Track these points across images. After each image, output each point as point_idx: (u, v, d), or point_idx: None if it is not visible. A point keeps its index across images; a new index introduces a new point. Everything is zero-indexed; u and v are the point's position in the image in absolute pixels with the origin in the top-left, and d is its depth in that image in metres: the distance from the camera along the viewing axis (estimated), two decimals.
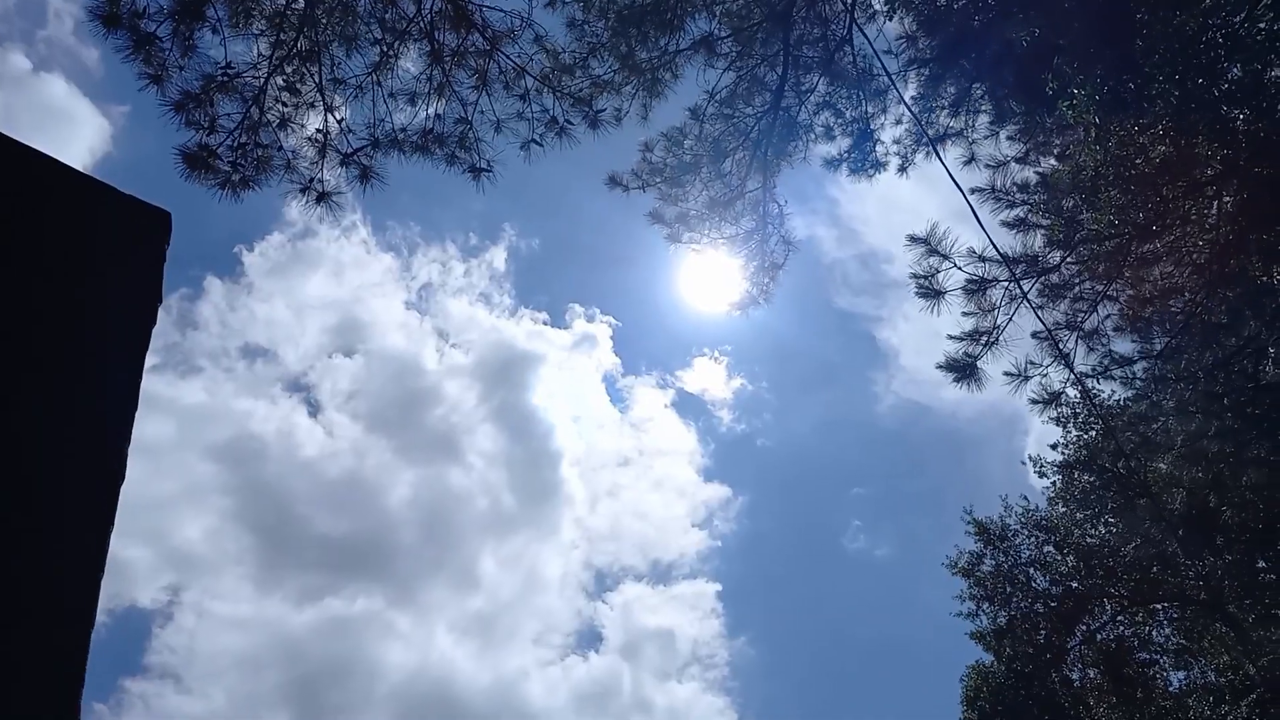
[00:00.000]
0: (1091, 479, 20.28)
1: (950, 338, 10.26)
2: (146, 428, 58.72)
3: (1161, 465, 16.35)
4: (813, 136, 13.84)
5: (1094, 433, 20.54)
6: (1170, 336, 11.34)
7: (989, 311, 10.15)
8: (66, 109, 52.22)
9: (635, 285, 68.84)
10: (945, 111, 12.66)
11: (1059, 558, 20.14)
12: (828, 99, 13.70)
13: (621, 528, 66.89)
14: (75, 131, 53.32)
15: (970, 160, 11.66)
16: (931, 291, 9.88)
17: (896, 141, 14.26)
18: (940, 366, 10.23)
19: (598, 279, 69.39)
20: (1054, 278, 10.32)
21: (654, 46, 11.33)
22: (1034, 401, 10.45)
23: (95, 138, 53.58)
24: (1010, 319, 10.12)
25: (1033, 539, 20.81)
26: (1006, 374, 10.26)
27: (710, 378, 69.77)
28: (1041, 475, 21.46)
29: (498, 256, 64.25)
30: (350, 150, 8.85)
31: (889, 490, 65.48)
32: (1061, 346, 10.41)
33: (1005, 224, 10.55)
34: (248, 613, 56.32)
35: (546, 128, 10.00)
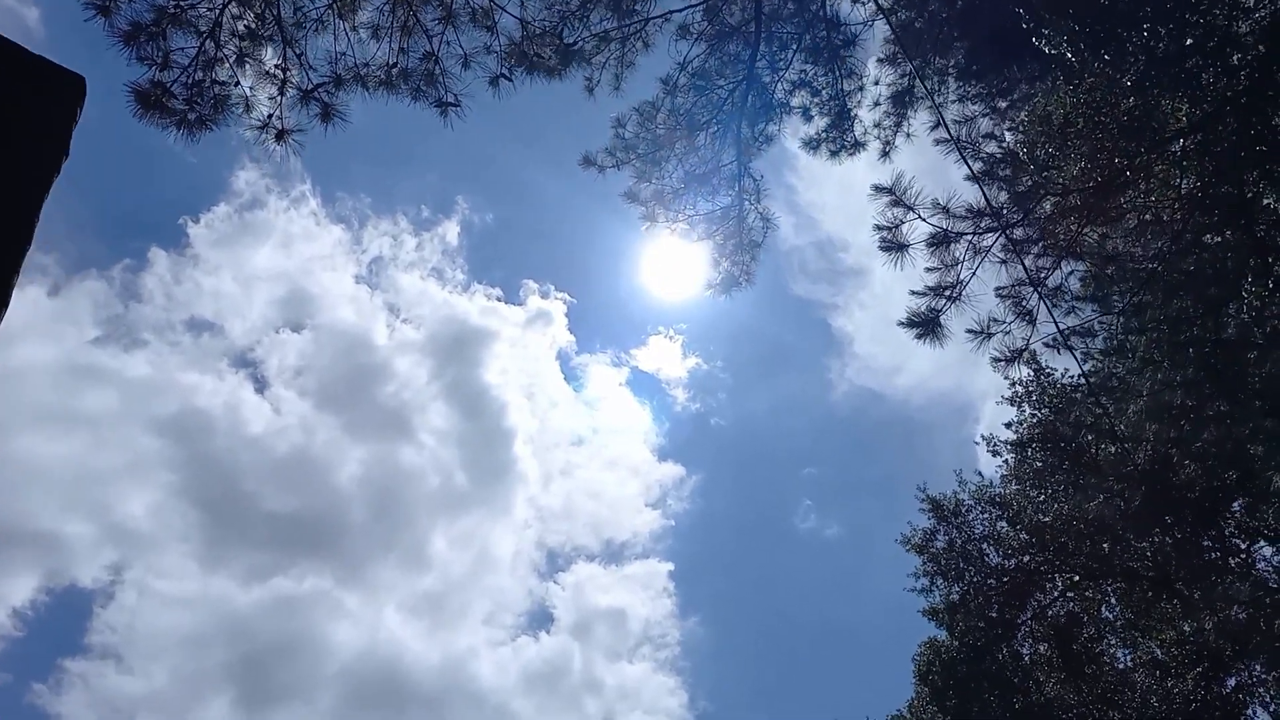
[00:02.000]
0: (1044, 456, 20.61)
1: (913, 293, 10.24)
2: (89, 399, 57.15)
3: (1120, 427, 16.57)
4: (788, 113, 13.78)
5: (1047, 410, 20.87)
6: (1133, 294, 11.45)
7: (952, 266, 10.15)
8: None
9: (590, 262, 68.53)
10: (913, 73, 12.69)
11: (1011, 533, 20.50)
12: (803, 77, 13.63)
13: (574, 507, 66.93)
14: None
15: (938, 125, 11.66)
16: (895, 245, 9.85)
17: (876, 125, 14.26)
18: (902, 323, 10.21)
19: (552, 255, 68.94)
20: (1018, 232, 10.33)
21: (627, 13, 11.14)
22: (996, 359, 10.50)
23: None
24: (974, 273, 10.13)
25: (986, 515, 21.15)
26: (969, 331, 10.28)
27: (665, 356, 69.92)
28: (995, 454, 21.78)
29: (451, 231, 63.46)
30: (311, 86, 8.53)
31: (840, 472, 66.31)
32: (1024, 304, 10.46)
33: (969, 178, 10.54)
34: (192, 591, 55.41)
35: (516, 62, 9.72)
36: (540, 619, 60.31)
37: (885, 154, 14.29)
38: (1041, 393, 21.39)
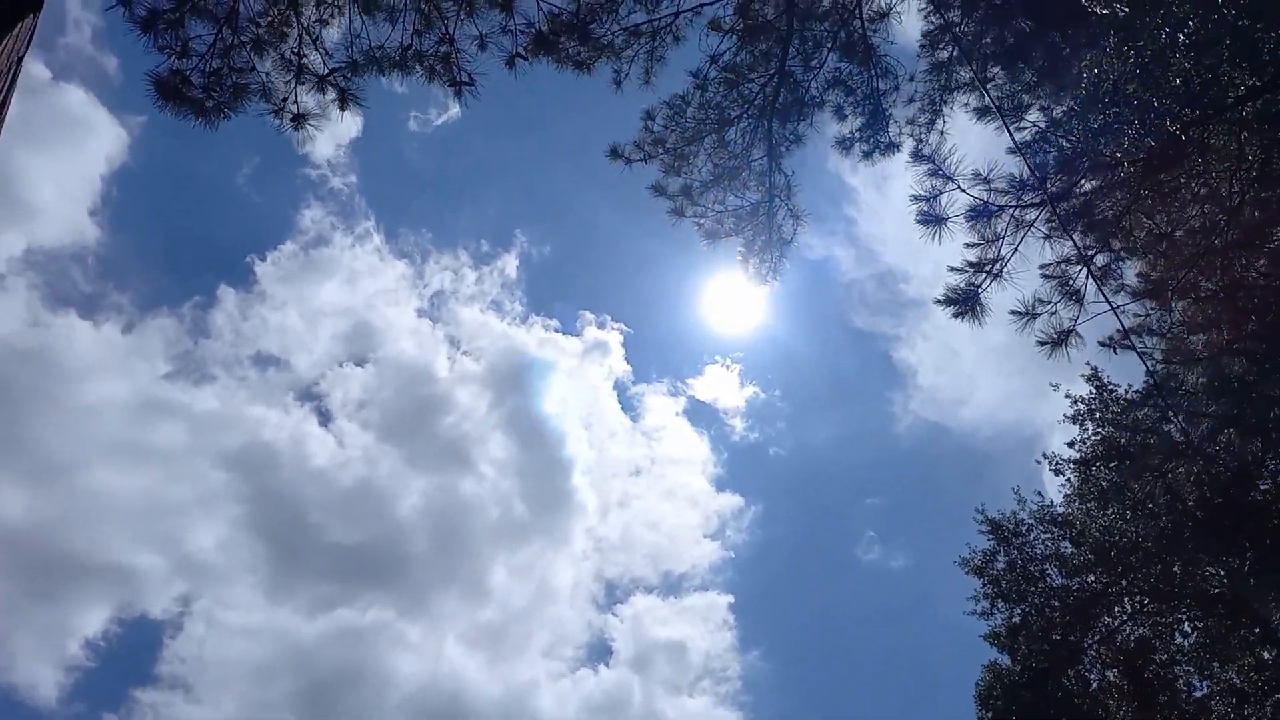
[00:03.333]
0: (1108, 474, 19.79)
1: (951, 269, 9.85)
2: (160, 433, 58.68)
3: (1191, 438, 15.76)
4: (821, 111, 13.56)
5: (1110, 427, 20.10)
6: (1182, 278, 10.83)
7: (993, 242, 9.75)
8: (84, 118, 52.50)
9: (647, 293, 68.63)
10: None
11: (1075, 553, 19.66)
12: (838, 74, 13.41)
13: (633, 538, 66.37)
14: (93, 140, 53.64)
15: (978, 96, 11.30)
16: (933, 218, 9.49)
17: (911, 122, 13.97)
18: (939, 301, 9.82)
19: (609, 286, 69.14)
20: (1063, 206, 9.89)
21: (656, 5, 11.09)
22: (1041, 343, 9.98)
23: (113, 146, 53.81)
24: (1016, 249, 9.71)
25: (1048, 535, 20.35)
26: (1013, 312, 9.82)
27: (722, 386, 69.33)
28: (1058, 473, 21.01)
29: (509, 264, 64.18)
30: (326, 71, 8.59)
31: (904, 503, 64.70)
32: (1071, 283, 9.98)
33: (1011, 150, 10.16)
34: (259, 622, 56.10)
35: (534, 43, 9.70)
36: (599, 651, 59.67)
37: (919, 153, 13.97)
38: (1104, 408, 20.64)
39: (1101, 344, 14.16)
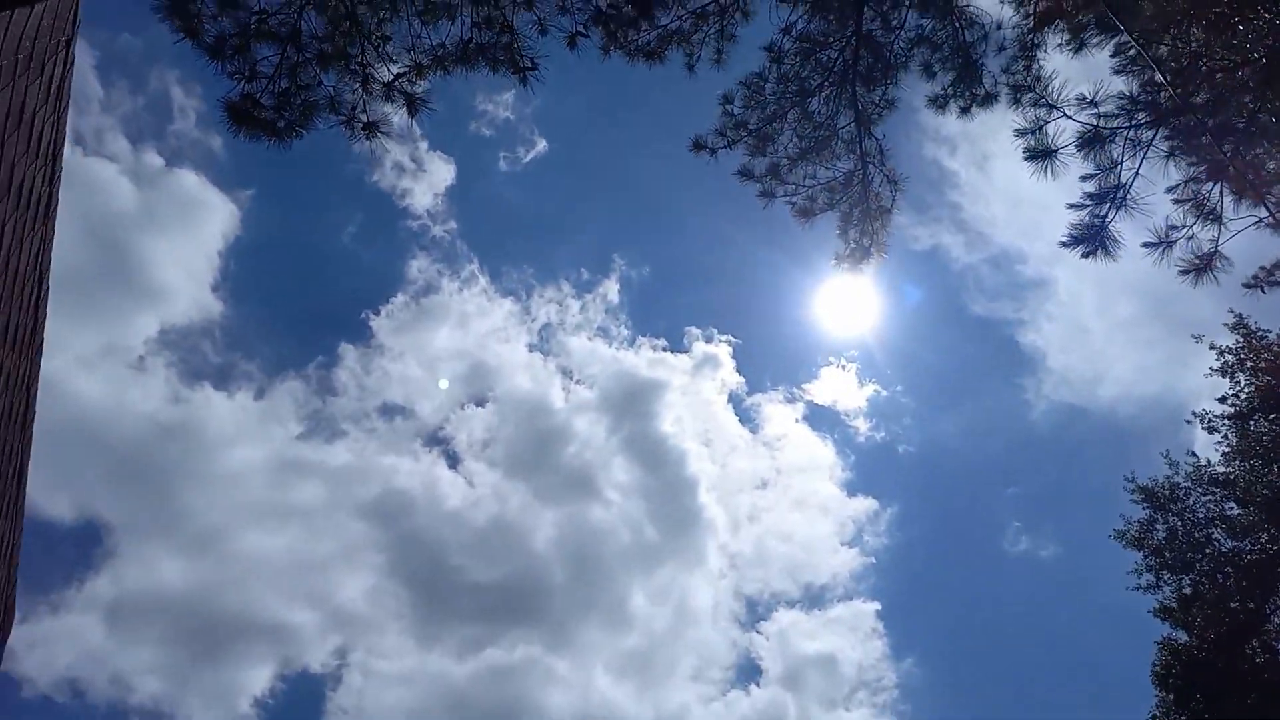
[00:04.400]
0: (1270, 426, 18.36)
1: (1070, 206, 9.17)
2: (300, 492, 60.65)
3: None
4: (907, 72, 13.02)
5: (1266, 375, 18.66)
6: None
7: (1110, 170, 9.03)
8: (199, 198, 55.36)
9: (749, 301, 68.10)
10: None
11: (1243, 514, 18.22)
12: (920, 31, 12.89)
13: (767, 552, 65.44)
14: (209, 218, 56.40)
15: (1080, 45, 10.59)
16: (1041, 151, 8.85)
17: (1005, 69, 13.31)
18: (1063, 243, 9.14)
19: (711, 299, 68.86)
20: (1184, 119, 9.10)
21: None
22: (1183, 272, 9.16)
23: (226, 223, 56.46)
24: (1137, 173, 8.97)
25: (1209, 496, 18.94)
26: (1146, 245, 9.06)
27: (840, 387, 68.01)
28: (1211, 430, 19.57)
29: (610, 289, 64.70)
30: (392, 78, 8.59)
31: (1047, 489, 62.01)
32: (1206, 202, 9.15)
33: (1118, 70, 9.42)
34: (412, 667, 57.31)
35: (593, 20, 9.54)
36: (748, 671, 58.74)
37: (1017, 100, 13.28)
38: (1255, 356, 19.21)
39: (1246, 285, 13.10)
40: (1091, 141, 9.04)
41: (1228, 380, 19.68)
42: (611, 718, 56.33)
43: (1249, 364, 19.19)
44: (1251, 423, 18.90)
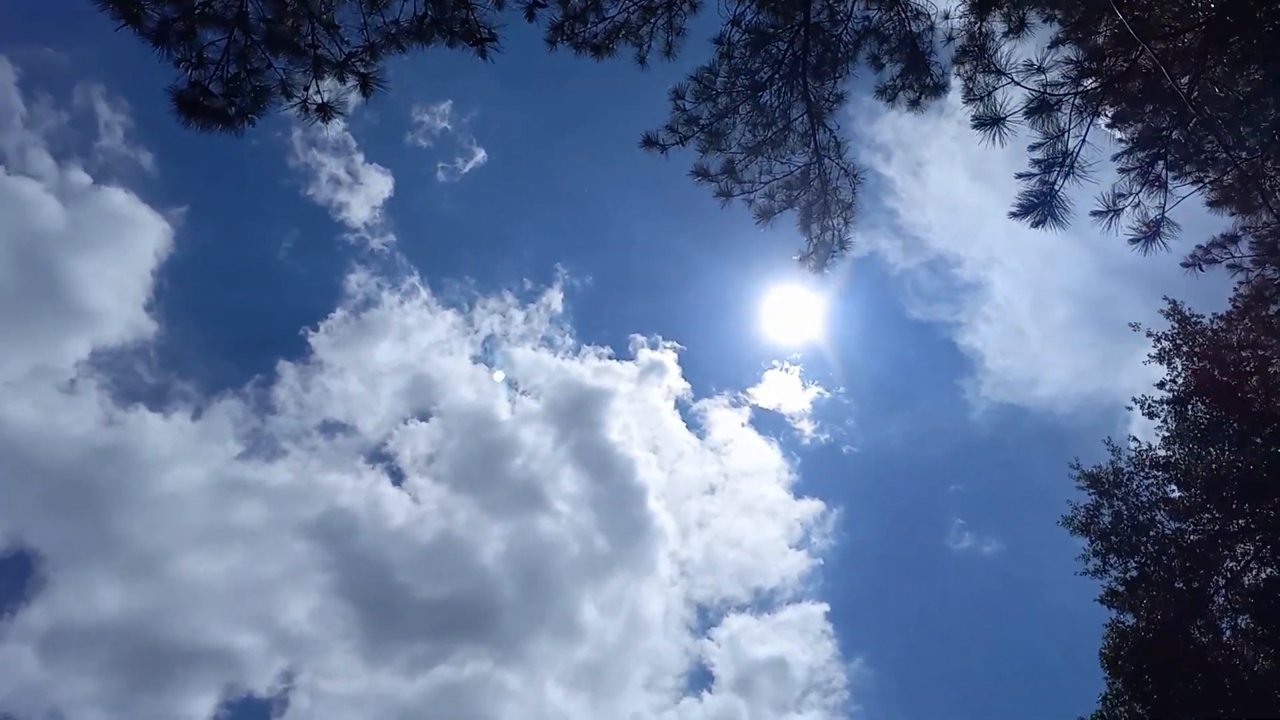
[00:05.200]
0: (1208, 410, 18.75)
1: (1019, 176, 9.15)
2: (240, 513, 59.26)
3: None
4: (854, 64, 12.92)
5: (1202, 360, 19.07)
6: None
7: (1058, 137, 9.01)
8: (129, 216, 53.69)
9: (693, 307, 68.17)
10: None
11: (1184, 495, 18.58)
12: (866, 23, 12.80)
13: (717, 558, 65.39)
14: (140, 235, 54.71)
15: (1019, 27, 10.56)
16: (989, 119, 8.80)
17: (955, 60, 13.29)
18: (1013, 213, 9.12)
19: (655, 306, 68.78)
20: (1130, 85, 9.14)
21: None
22: (1133, 240, 9.21)
23: (158, 240, 54.79)
24: (1084, 140, 8.97)
25: (1151, 480, 19.30)
26: (1095, 213, 9.08)
27: (784, 390, 68.41)
28: (1151, 415, 19.94)
29: (554, 298, 64.15)
30: (344, 56, 8.22)
31: (989, 486, 63.01)
32: (1151, 170, 9.20)
33: (1057, 40, 9.41)
34: (361, 688, 56.03)
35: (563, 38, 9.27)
36: (700, 678, 58.65)
37: (970, 93, 13.27)
38: (1190, 341, 19.62)
39: (1184, 264, 13.30)
40: (1039, 109, 9.01)
41: (1165, 366, 20.08)
42: None
43: (1184, 349, 19.59)
44: (1189, 407, 19.29)
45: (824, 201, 12.29)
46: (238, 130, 7.92)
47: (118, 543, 53.18)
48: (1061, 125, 8.98)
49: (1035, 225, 8.96)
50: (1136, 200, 9.21)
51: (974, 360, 66.68)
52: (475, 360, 62.89)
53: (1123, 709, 18.22)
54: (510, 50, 8.84)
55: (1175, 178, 9.23)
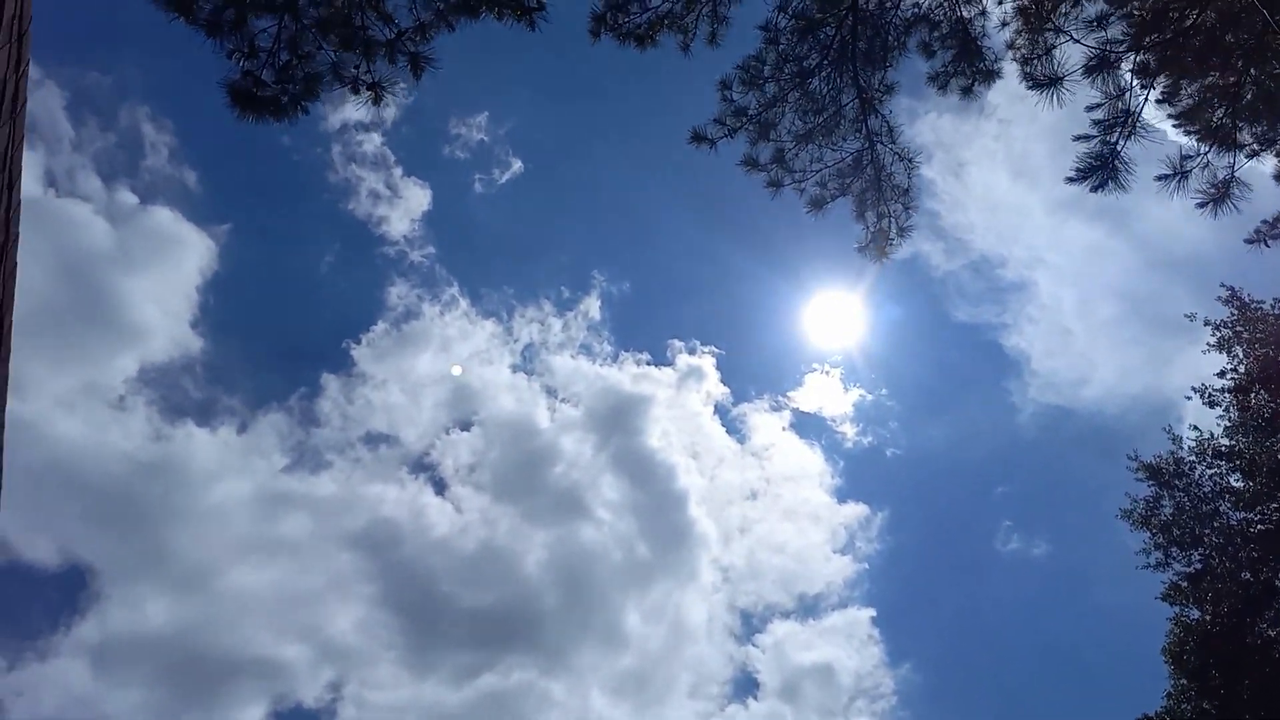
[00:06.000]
0: (1272, 398, 18.27)
1: (1076, 138, 8.87)
2: (286, 525, 59.99)
3: None
4: (904, 52, 12.73)
5: (1265, 347, 18.59)
6: None
7: (1119, 96, 8.72)
8: (174, 234, 54.70)
9: (731, 311, 67.97)
10: None
11: (1248, 485, 18.11)
12: (915, 9, 12.62)
13: (760, 564, 64.95)
14: (186, 253, 55.71)
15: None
16: (1045, 80, 8.54)
17: (1010, 45, 13.05)
18: (1070, 179, 8.85)
19: (693, 311, 68.63)
20: (1195, 40, 8.81)
21: None
22: (1200, 205, 8.88)
23: (203, 258, 55.71)
24: (1146, 99, 8.67)
25: (1214, 470, 18.84)
26: (1160, 177, 8.78)
27: (825, 393, 67.88)
28: (1212, 405, 19.48)
29: (592, 306, 64.21)
30: (394, 36, 8.22)
31: (1037, 488, 62.06)
32: (1218, 126, 8.86)
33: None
34: (407, 698, 56.33)
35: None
36: (745, 685, 58.25)
37: (1028, 77, 13.00)
38: (1251, 328, 19.15)
39: (1248, 241, 12.92)
40: (1099, 66, 8.71)
41: (1224, 355, 19.62)
42: None
43: (1245, 336, 19.13)
44: (1252, 395, 18.82)
45: (878, 188, 12.10)
46: (291, 118, 7.95)
47: (167, 556, 54.04)
48: (1122, 84, 8.70)
49: (1095, 189, 8.70)
50: (1205, 160, 8.90)
51: (1020, 362, 65.78)
52: (515, 369, 63.21)
53: (1188, 705, 17.80)
54: (548, 54, 8.79)
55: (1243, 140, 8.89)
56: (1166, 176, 8.78)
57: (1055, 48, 8.53)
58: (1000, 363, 62.32)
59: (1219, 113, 8.87)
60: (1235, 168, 8.81)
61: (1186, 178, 8.86)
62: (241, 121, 7.80)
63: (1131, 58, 8.59)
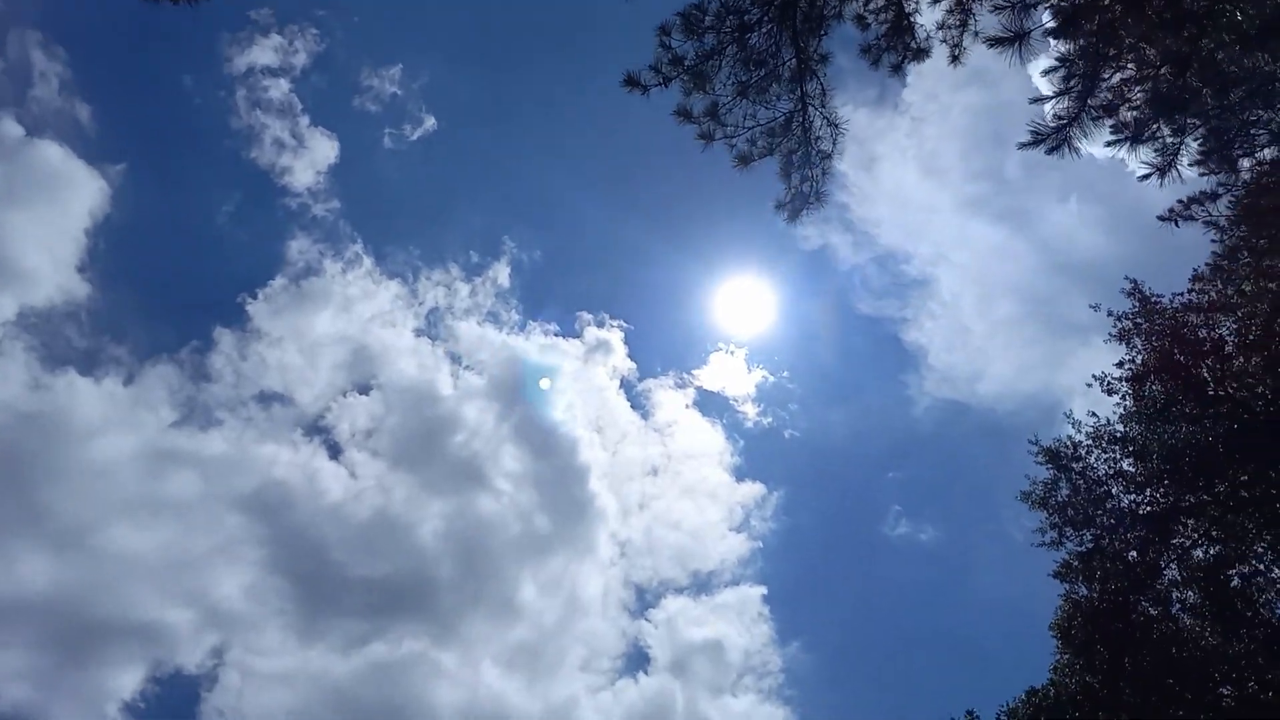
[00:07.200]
0: (1166, 387, 19.04)
1: (1033, 101, 9.08)
2: (173, 483, 57.95)
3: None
4: (840, 21, 12.83)
5: (1162, 339, 19.36)
6: None
7: (1079, 59, 8.93)
8: (63, 172, 52.08)
9: (641, 286, 68.23)
10: None
11: (1139, 467, 18.87)
12: None
13: (657, 539, 65.33)
14: (75, 193, 53.18)
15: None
16: (1011, 35, 8.68)
17: (942, 26, 13.22)
18: (1024, 144, 9.06)
19: (603, 284, 68.57)
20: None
21: None
22: (1143, 177, 9.17)
23: (94, 199, 53.30)
24: (1108, 63, 8.89)
25: (1109, 455, 19.57)
26: (1110, 142, 9.03)
27: (729, 373, 68.65)
28: (1110, 392, 20.21)
29: (501, 272, 63.54)
30: None
31: (927, 476, 63.90)
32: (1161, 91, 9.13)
33: None
34: (293, 665, 55.11)
35: None
36: (637, 659, 58.68)
37: (955, 59, 13.18)
38: (1151, 321, 19.92)
39: (1161, 218, 13.40)
40: (1065, 28, 8.86)
41: (1124, 345, 20.36)
42: (499, 711, 55.41)
43: (1145, 328, 19.88)
44: (1147, 385, 19.58)
45: (805, 150, 12.23)
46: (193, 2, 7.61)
47: (44, 512, 51.82)
48: (1088, 47, 8.89)
49: (1049, 152, 8.89)
50: (1156, 129, 9.16)
51: (918, 356, 67.59)
52: (418, 333, 62.16)
53: (1074, 679, 18.49)
54: (470, 3, 8.59)
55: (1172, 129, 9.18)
56: (1119, 140, 8.99)
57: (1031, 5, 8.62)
58: (899, 356, 63.90)
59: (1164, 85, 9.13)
60: (1182, 144, 9.07)
61: (1139, 143, 9.10)
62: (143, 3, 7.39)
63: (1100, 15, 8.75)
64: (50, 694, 47.41)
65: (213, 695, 50.27)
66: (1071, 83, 9.03)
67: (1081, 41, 8.95)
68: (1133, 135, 9.06)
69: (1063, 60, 9.04)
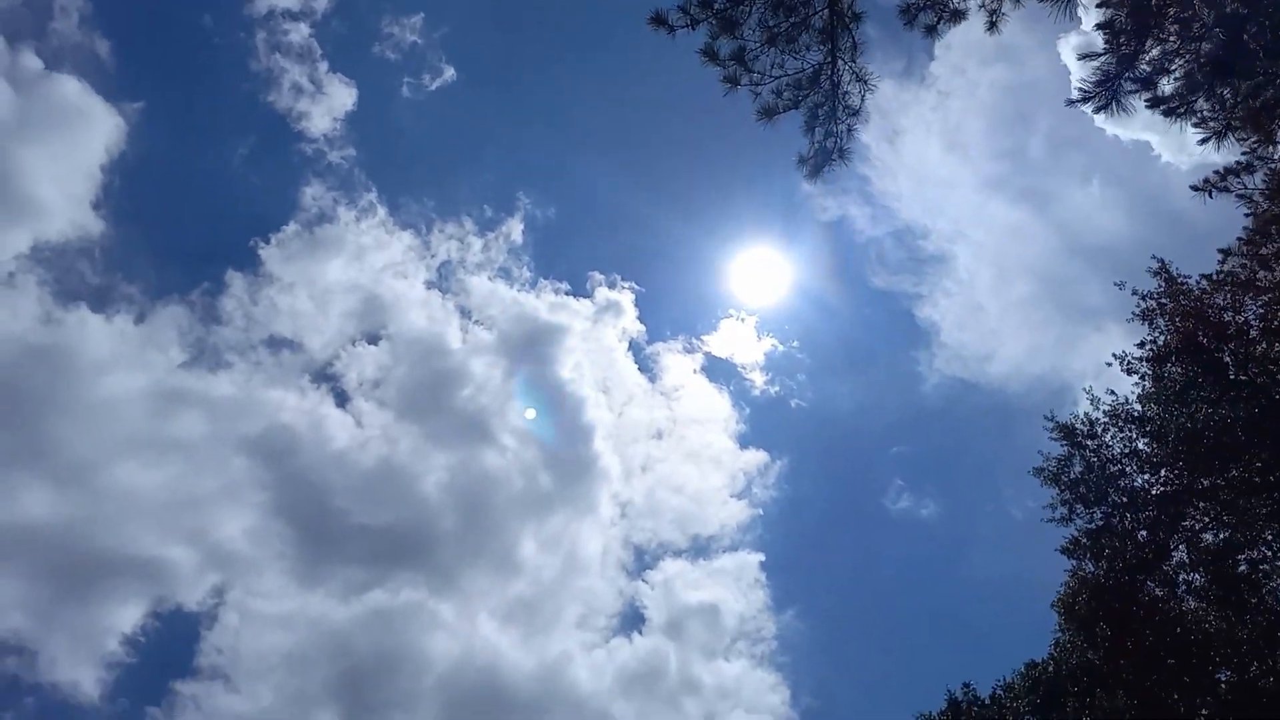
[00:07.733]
0: (1186, 369, 18.81)
1: (1082, 57, 8.91)
2: (180, 423, 58.39)
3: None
4: None
5: (1185, 320, 19.08)
6: None
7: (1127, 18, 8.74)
8: (81, 107, 52.01)
9: (655, 249, 67.96)
10: None
11: (1155, 449, 18.70)
12: None
13: (659, 502, 65.50)
14: (92, 129, 53.15)
15: None
16: None
17: None
18: (1072, 100, 8.90)
19: (617, 245, 68.30)
20: None
21: None
22: (1202, 140, 8.96)
23: (111, 135, 53.24)
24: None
25: (1124, 434, 19.39)
26: (1151, 103, 8.84)
27: (738, 340, 68.49)
28: (1130, 372, 19.97)
29: (514, 228, 63.33)
30: None
31: (932, 452, 63.70)
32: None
33: None
34: (292, 609, 55.68)
35: None
36: (632, 619, 59.13)
37: (993, 25, 12.87)
38: (1175, 301, 19.63)
39: (1194, 188, 13.13)
40: None
41: (1146, 325, 20.10)
42: (494, 663, 55.92)
43: (1169, 308, 19.60)
44: (1167, 366, 19.35)
45: (831, 105, 12.03)
46: None
47: (51, 446, 52.31)
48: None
49: (1097, 111, 8.71)
50: (1208, 92, 8.92)
51: (930, 333, 67.13)
52: (430, 285, 62.15)
53: (1074, 655, 18.48)
54: None
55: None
56: (1162, 106, 8.77)
57: None
58: (911, 332, 63.49)
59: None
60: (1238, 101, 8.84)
61: (1191, 110, 8.87)
62: None
63: None
64: (49, 625, 48.21)
65: (212, 634, 51.05)
66: (1122, 40, 8.80)
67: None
68: (1185, 99, 8.80)
69: (1106, 25, 8.81)
